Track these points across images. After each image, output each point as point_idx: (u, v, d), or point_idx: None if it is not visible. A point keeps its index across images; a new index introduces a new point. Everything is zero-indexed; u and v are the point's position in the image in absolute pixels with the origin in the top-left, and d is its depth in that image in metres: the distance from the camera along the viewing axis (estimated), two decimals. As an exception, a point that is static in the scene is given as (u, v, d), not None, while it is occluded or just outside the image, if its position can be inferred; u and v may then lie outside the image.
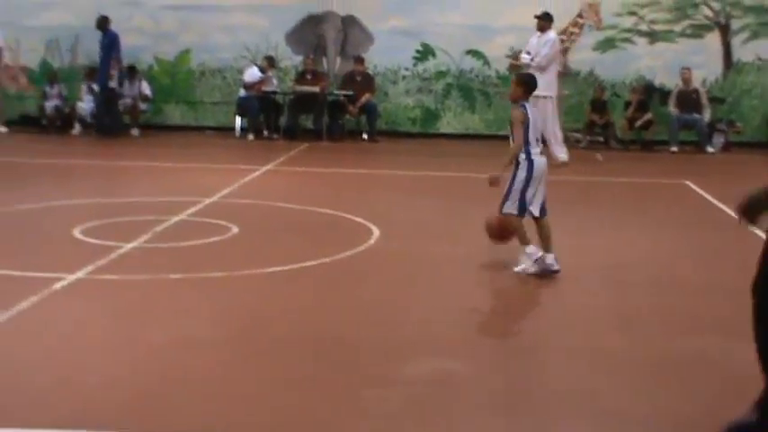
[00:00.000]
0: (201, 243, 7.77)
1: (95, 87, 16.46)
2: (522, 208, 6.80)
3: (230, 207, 9.59)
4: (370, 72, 17.52)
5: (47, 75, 17.30)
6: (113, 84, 16.21)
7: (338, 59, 17.88)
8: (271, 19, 17.51)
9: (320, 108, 17.21)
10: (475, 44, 17.51)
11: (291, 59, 17.76)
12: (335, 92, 17.30)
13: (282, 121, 17.28)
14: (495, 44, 17.08)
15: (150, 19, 17.64)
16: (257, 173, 12.25)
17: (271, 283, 6.65)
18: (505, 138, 7.33)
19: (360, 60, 17.40)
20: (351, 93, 17.03)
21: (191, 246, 7.67)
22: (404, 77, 17.88)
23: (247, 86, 16.90)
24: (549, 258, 6.82)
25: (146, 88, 17.02)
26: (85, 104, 16.84)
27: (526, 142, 6.79)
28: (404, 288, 6.66)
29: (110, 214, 8.94)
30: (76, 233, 7.97)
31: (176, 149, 15.16)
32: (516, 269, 6.90)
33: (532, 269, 6.82)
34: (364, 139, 17.14)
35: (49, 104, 16.83)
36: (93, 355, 5.05)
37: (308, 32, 17.73)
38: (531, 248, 6.85)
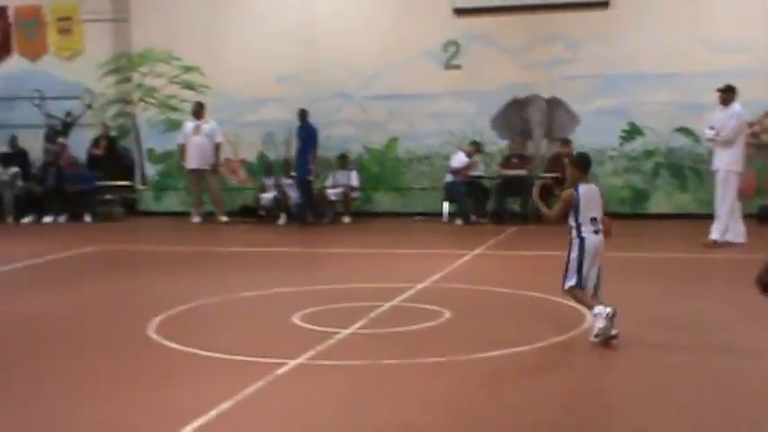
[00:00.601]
0: (415, 328, 7.89)
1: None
2: (580, 280, 7.12)
3: (442, 292, 9.70)
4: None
5: (264, 167, 18.20)
6: (312, 176, 16.93)
7: (544, 142, 17.92)
8: (476, 105, 17.80)
9: (527, 191, 17.22)
10: (684, 121, 17.13)
11: (497, 144, 17.93)
12: (542, 174, 17.29)
13: (490, 205, 17.41)
14: (705, 120, 16.62)
15: (359, 109, 18.29)
16: (467, 257, 12.35)
17: (485, 369, 6.65)
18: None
19: (566, 142, 17.36)
20: (557, 175, 16.96)
21: (405, 331, 7.81)
22: (611, 157, 17.68)
23: (454, 172, 17.17)
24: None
25: (354, 178, 17.57)
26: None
27: (576, 221, 7.17)
28: (621, 375, 6.51)
29: (326, 301, 9.22)
30: (296, 319, 8.27)
31: (387, 235, 15.51)
32: (593, 339, 7.01)
33: (602, 324, 6.94)
34: (572, 221, 16.97)
35: (266, 196, 17.66)
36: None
37: (514, 116, 17.89)
38: (598, 308, 7.00)
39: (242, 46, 18.49)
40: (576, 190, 7.17)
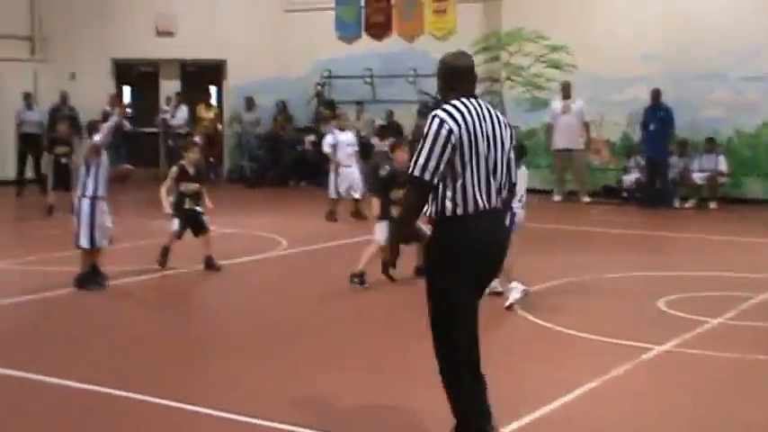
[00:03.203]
0: (789, 325, 7.60)
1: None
2: None
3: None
4: None
5: (627, 148, 18.00)
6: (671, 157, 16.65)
7: None
8: None
9: None
10: None
11: None
12: None
13: None
14: None
15: (732, 91, 17.52)
16: None
17: None
18: None
19: None
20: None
21: (777, 326, 7.55)
22: None
23: (834, 160, 16.02)
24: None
25: (721, 163, 16.88)
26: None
27: None
28: None
29: (692, 288, 9.07)
30: (661, 305, 8.25)
31: (758, 224, 14.72)
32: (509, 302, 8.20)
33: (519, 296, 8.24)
34: None
35: (629, 177, 17.48)
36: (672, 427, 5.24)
37: None
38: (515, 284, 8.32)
39: (610, 25, 18.32)
40: None
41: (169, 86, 21.94)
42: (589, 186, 17.83)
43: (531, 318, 7.89)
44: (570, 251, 11.83)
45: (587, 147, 17.69)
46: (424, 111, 19.94)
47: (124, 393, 5.84)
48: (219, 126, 22.00)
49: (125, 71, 22.05)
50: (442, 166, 4.50)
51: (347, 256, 11.46)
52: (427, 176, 4.49)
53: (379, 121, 20.39)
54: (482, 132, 4.59)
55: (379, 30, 21.09)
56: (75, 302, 8.81)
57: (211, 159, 22.00)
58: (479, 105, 4.67)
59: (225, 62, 21.90)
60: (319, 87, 21.56)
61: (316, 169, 20.12)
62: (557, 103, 17.85)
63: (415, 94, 20.63)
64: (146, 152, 21.25)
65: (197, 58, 21.79)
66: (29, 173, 18.84)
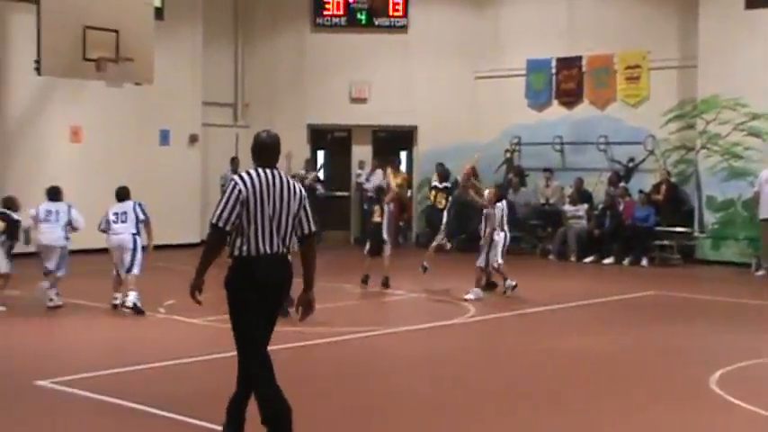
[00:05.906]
0: None
1: None
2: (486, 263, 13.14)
3: None
4: None
5: None
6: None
7: None
8: None
9: None
10: None
11: None
12: None
13: None
14: None
15: None
16: None
17: None
18: None
19: None
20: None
21: None
22: None
23: None
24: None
25: None
26: None
27: (493, 228, 13.10)
28: None
29: None
30: None
31: None
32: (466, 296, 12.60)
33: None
34: None
35: None
36: None
37: None
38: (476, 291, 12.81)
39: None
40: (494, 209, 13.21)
41: (360, 152, 22.58)
42: None
43: (728, 397, 7.54)
44: (770, 328, 11.29)
45: None
46: (615, 179, 19.61)
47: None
48: (408, 191, 22.32)
49: (320, 136, 22.83)
50: (233, 217, 5.74)
51: (535, 324, 11.37)
52: (221, 224, 5.75)
53: (569, 189, 20.17)
54: (268, 195, 5.81)
55: (570, 97, 21.01)
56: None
57: (401, 224, 22.33)
58: (272, 174, 5.90)
59: (416, 128, 22.31)
60: (509, 154, 21.60)
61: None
62: (765, 172, 17.06)
63: (605, 161, 20.36)
64: (337, 215, 21.91)
65: (389, 125, 22.33)
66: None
